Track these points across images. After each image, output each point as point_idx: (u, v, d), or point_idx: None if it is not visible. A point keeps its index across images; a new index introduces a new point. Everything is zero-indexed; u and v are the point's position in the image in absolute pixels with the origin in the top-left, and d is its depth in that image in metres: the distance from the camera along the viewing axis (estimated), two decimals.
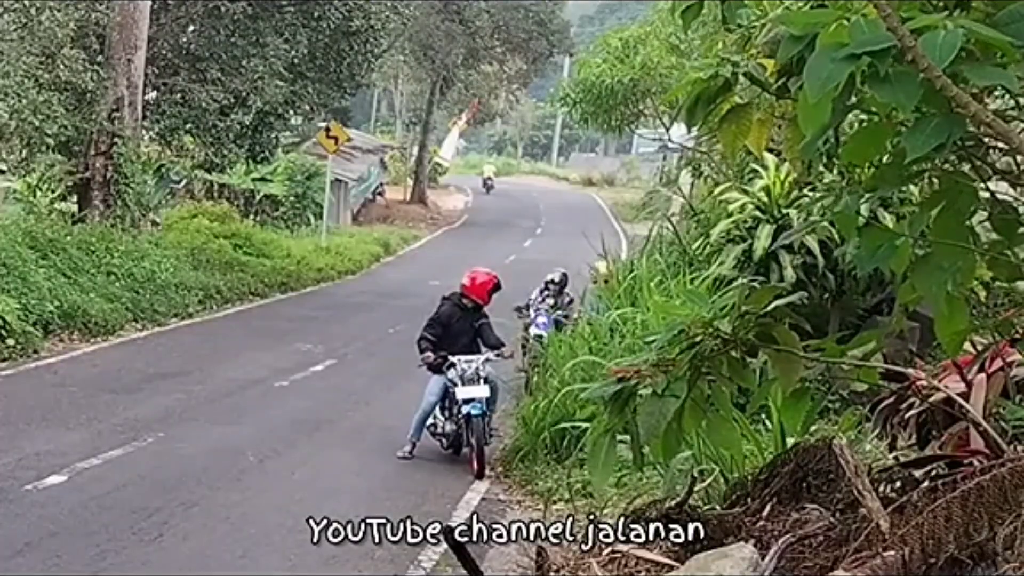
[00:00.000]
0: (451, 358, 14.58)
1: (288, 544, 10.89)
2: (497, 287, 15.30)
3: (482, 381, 14.41)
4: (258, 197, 42.97)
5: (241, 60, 29.89)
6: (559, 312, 19.23)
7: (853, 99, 4.16)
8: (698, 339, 5.29)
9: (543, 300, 19.60)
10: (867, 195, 4.72)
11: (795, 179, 13.25)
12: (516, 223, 55.68)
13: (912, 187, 8.17)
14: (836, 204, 4.76)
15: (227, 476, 13.26)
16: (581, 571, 7.13)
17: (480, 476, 13.97)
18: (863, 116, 4.46)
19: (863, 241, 4.66)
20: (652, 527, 6.52)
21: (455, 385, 14.51)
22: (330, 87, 33.72)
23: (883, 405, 6.98)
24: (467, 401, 14.27)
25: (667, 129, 32.69)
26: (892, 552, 4.95)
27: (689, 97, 4.91)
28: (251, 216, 40.17)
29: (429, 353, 14.65)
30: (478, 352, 14.89)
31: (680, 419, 5.29)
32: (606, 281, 19.70)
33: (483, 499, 12.97)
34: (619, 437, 5.54)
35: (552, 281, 19.80)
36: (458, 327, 14.90)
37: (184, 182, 41.25)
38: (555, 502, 11.70)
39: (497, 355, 14.94)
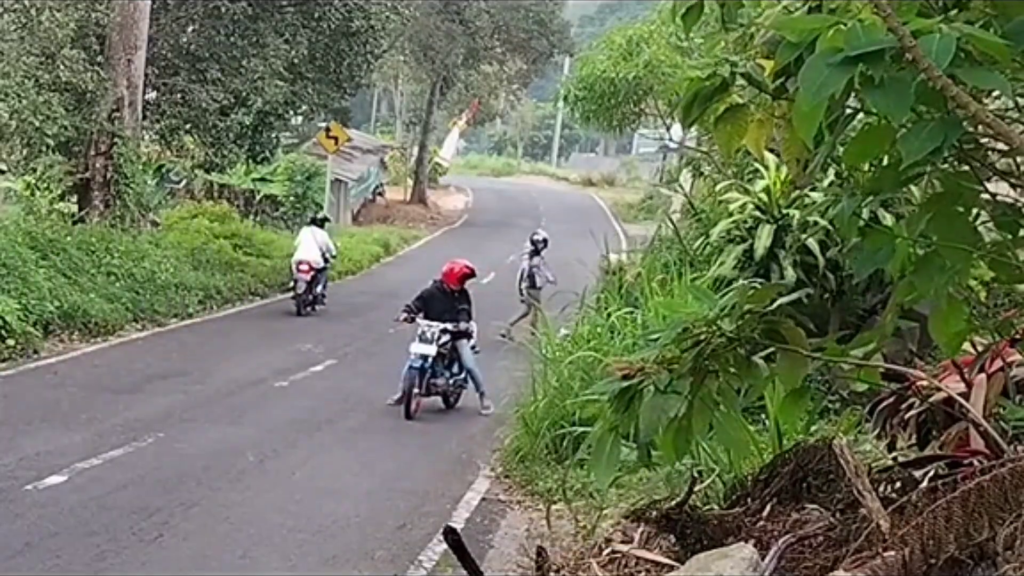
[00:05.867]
0: (418, 320, 17.57)
1: (288, 544, 10.90)
2: (467, 276, 18.16)
3: (435, 343, 17.18)
4: (258, 197, 42.94)
5: (241, 60, 29.89)
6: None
7: (855, 102, 4.17)
8: (702, 337, 5.28)
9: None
10: (867, 198, 4.72)
11: (792, 180, 13.24)
12: (516, 223, 55.55)
13: (914, 188, 8.16)
14: (835, 207, 4.76)
15: (227, 476, 13.26)
16: (581, 571, 7.14)
17: (408, 418, 16.77)
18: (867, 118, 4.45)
19: (864, 244, 4.67)
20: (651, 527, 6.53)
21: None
22: (330, 87, 33.71)
23: (883, 405, 6.99)
24: (416, 355, 17.07)
25: (668, 129, 32.71)
26: (892, 552, 4.96)
27: (686, 96, 4.91)
28: (251, 216, 40.12)
29: (403, 313, 17.82)
30: None
31: (689, 418, 5.28)
32: (619, 270, 20.82)
33: (483, 499, 12.96)
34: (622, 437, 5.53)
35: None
36: (436, 304, 17.71)
37: (184, 182, 41.27)
38: (555, 502, 11.70)
39: (455, 327, 17.56)
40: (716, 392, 5.42)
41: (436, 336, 17.35)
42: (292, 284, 27.35)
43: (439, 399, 17.83)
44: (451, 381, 17.88)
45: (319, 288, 27.71)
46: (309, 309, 27.21)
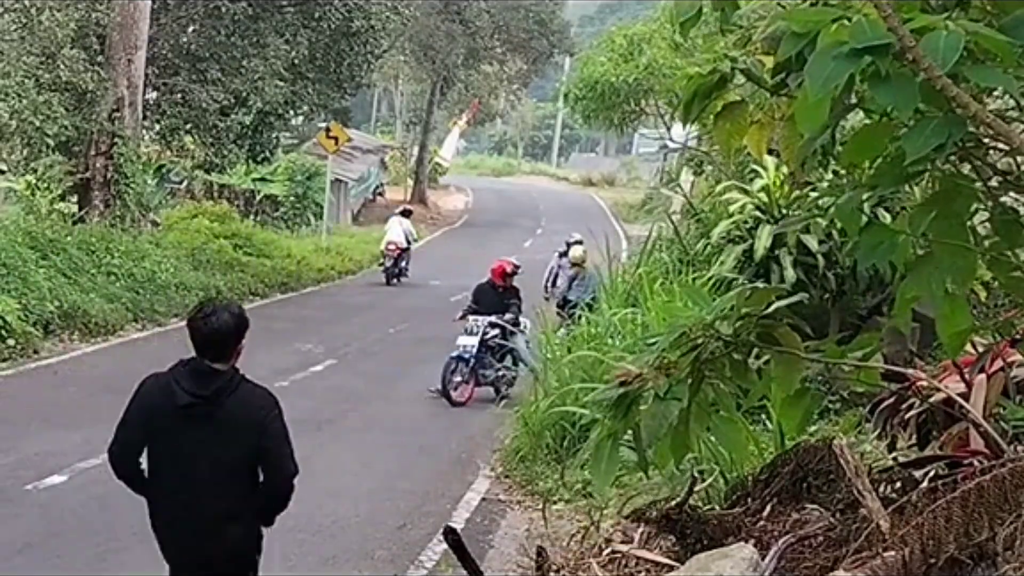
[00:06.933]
0: (469, 317, 18.80)
1: (288, 544, 10.87)
2: (507, 273, 19.40)
3: (478, 336, 18.29)
4: (258, 197, 42.96)
5: (241, 60, 29.90)
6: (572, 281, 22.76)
7: (853, 98, 4.16)
8: (699, 341, 5.27)
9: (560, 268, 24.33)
10: (867, 194, 4.71)
11: (791, 176, 13.23)
12: (516, 223, 55.62)
13: (915, 187, 8.18)
14: (838, 200, 4.76)
15: None
16: (581, 571, 7.14)
17: (453, 405, 17.74)
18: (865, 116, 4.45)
19: (863, 238, 4.66)
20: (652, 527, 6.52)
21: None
22: (330, 87, 33.72)
23: (883, 406, 6.99)
24: (458, 346, 18.25)
25: (668, 129, 32.70)
26: (892, 552, 4.96)
27: (686, 93, 4.91)
28: (251, 216, 40.13)
29: (460, 312, 19.27)
30: None
31: (687, 422, 5.27)
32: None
33: (483, 499, 12.95)
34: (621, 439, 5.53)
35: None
36: (486, 301, 19.11)
37: (184, 182, 41.29)
38: (555, 502, 11.69)
39: (499, 318, 18.59)
40: (713, 395, 5.41)
41: (480, 329, 18.45)
42: (382, 260, 34.63)
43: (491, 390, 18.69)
44: (500, 373, 18.60)
45: (403, 263, 34.65)
46: (395, 280, 34.16)
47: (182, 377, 6.54)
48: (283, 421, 6.51)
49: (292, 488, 6.49)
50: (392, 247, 34.33)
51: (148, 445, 6.64)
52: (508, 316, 18.78)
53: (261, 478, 6.44)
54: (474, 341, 18.28)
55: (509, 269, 19.58)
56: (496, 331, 18.53)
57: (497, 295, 19.24)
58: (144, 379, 6.89)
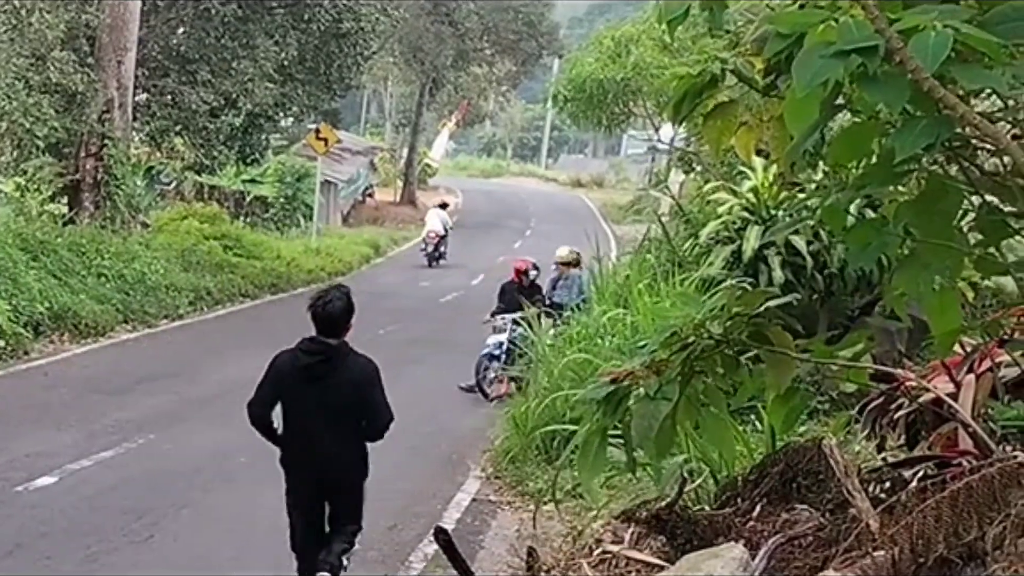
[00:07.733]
0: (496, 316, 19.67)
1: (278, 545, 10.85)
2: (524, 272, 20.33)
3: (507, 333, 18.97)
4: (248, 199, 42.96)
5: (231, 62, 29.88)
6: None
7: (841, 99, 4.18)
8: (690, 340, 5.29)
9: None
10: (856, 191, 4.73)
11: (780, 176, 13.24)
12: (505, 224, 55.58)
13: (901, 187, 8.20)
14: (826, 200, 4.78)
15: (219, 477, 13.24)
16: (571, 571, 7.15)
17: (489, 400, 18.34)
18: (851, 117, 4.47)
19: (852, 238, 4.68)
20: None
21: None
22: (320, 89, 33.73)
23: (872, 406, 7.00)
24: (488, 344, 19.15)
25: (656, 130, 32.74)
26: (882, 552, 4.97)
27: (677, 93, 4.92)
28: (241, 218, 40.10)
29: (488, 314, 20.07)
30: None
31: (673, 418, 5.28)
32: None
33: (473, 500, 12.95)
34: (610, 437, 5.54)
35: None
36: (509, 299, 19.86)
37: (174, 184, 41.25)
38: (546, 503, 11.70)
39: (522, 316, 18.53)
40: (702, 392, 5.42)
41: (508, 327, 19.11)
42: (424, 246, 40.96)
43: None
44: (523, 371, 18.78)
45: (443, 248, 40.83)
46: (435, 263, 39.98)
47: (304, 348, 8.52)
48: (381, 382, 8.59)
49: (388, 429, 8.93)
50: (432, 235, 40.72)
51: (280, 400, 8.64)
52: (532, 311, 18.80)
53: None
54: (503, 338, 18.96)
55: (517, 267, 20.46)
56: (521, 328, 18.60)
57: (517, 293, 19.88)
58: (277, 353, 8.81)
